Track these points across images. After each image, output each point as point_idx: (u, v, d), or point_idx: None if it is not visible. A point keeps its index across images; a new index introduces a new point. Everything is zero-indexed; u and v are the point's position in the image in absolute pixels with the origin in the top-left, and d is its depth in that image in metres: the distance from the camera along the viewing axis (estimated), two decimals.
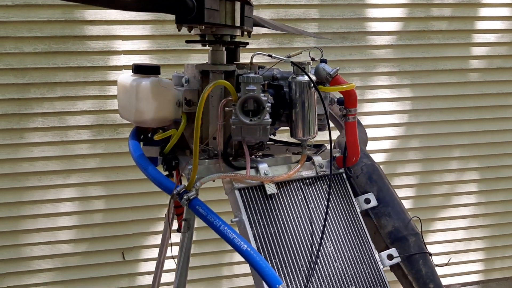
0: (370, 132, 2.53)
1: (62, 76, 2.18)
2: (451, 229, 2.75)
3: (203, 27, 1.13)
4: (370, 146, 2.53)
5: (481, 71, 2.64)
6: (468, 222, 2.77)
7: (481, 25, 2.59)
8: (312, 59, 1.23)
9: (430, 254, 1.30)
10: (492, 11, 2.59)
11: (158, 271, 1.64)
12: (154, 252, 2.28)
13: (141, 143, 1.30)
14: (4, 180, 2.19)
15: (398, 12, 2.49)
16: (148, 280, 2.30)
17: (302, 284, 1.10)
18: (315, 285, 1.11)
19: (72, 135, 2.22)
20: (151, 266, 2.30)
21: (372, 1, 2.45)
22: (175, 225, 1.37)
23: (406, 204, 2.64)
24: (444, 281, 2.80)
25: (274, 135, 1.40)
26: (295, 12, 2.36)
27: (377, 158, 2.56)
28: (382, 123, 2.57)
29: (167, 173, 1.24)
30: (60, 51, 2.16)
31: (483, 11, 2.58)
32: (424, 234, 2.62)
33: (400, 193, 2.61)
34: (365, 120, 2.54)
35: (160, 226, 2.33)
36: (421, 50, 2.54)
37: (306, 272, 1.11)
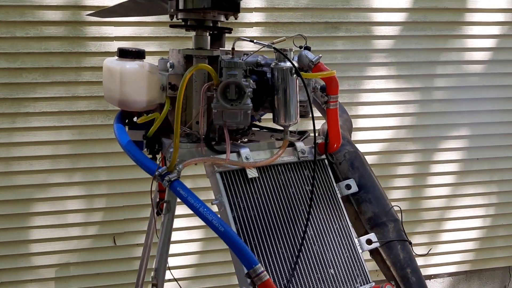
0: (365, 123, 2.55)
1: (54, 61, 2.18)
2: (442, 219, 2.77)
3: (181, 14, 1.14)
4: (366, 136, 2.55)
5: (478, 63, 2.64)
6: (459, 213, 2.79)
7: (477, 17, 2.60)
8: (300, 47, 1.24)
9: (410, 243, 1.32)
10: (490, 2, 2.58)
11: (145, 255, 1.66)
12: None
13: (127, 127, 1.31)
14: None
15: (393, 3, 2.49)
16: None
17: (280, 266, 1.12)
18: (292, 267, 1.13)
19: (63, 120, 2.23)
20: None
21: None
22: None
23: (400, 194, 2.66)
24: (432, 271, 2.84)
25: (259, 121, 1.42)
26: (288, 1, 2.36)
27: (373, 148, 2.58)
28: (377, 114, 2.58)
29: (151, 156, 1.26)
30: (52, 36, 2.16)
31: (480, 3, 2.58)
32: (415, 224, 2.65)
33: (395, 183, 2.65)
34: (360, 111, 2.55)
35: None
36: (414, 41, 2.55)
37: (284, 255, 1.13)
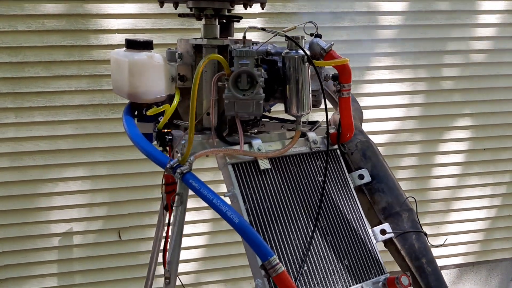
0: (370, 114, 2.53)
1: (56, 55, 2.15)
2: (447, 210, 2.76)
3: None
4: (371, 127, 2.53)
5: (483, 52, 2.62)
6: (465, 204, 2.78)
7: (483, 5, 2.57)
8: (311, 34, 1.22)
9: (426, 234, 1.30)
10: None
11: (156, 249, 1.64)
12: (150, 232, 2.29)
13: (136, 119, 1.29)
14: None
15: None
16: (145, 259, 2.31)
17: (294, 257, 1.11)
18: (307, 258, 1.12)
19: (67, 114, 2.21)
20: (147, 245, 2.31)
21: None
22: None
23: (406, 185, 2.65)
24: (438, 263, 2.82)
25: (269, 112, 1.40)
26: None
27: (378, 139, 2.56)
28: (382, 105, 2.56)
29: (161, 148, 1.24)
30: (54, 30, 2.13)
31: None
32: (421, 215, 2.64)
33: (401, 174, 2.64)
34: (365, 102, 2.53)
35: (156, 206, 2.33)
36: (420, 31, 2.52)
37: (298, 245, 1.11)
